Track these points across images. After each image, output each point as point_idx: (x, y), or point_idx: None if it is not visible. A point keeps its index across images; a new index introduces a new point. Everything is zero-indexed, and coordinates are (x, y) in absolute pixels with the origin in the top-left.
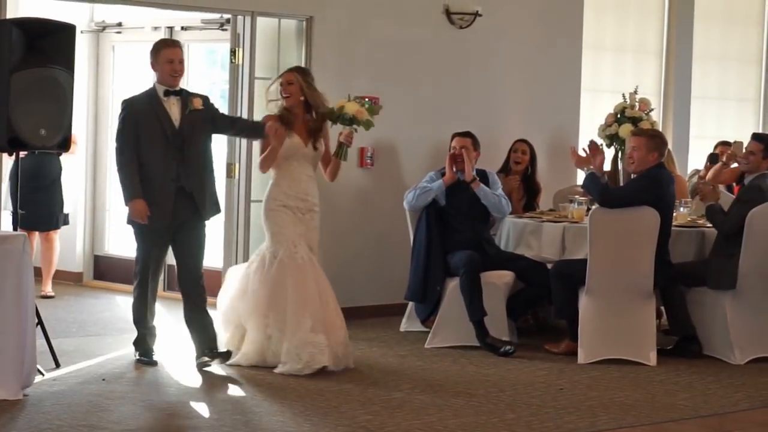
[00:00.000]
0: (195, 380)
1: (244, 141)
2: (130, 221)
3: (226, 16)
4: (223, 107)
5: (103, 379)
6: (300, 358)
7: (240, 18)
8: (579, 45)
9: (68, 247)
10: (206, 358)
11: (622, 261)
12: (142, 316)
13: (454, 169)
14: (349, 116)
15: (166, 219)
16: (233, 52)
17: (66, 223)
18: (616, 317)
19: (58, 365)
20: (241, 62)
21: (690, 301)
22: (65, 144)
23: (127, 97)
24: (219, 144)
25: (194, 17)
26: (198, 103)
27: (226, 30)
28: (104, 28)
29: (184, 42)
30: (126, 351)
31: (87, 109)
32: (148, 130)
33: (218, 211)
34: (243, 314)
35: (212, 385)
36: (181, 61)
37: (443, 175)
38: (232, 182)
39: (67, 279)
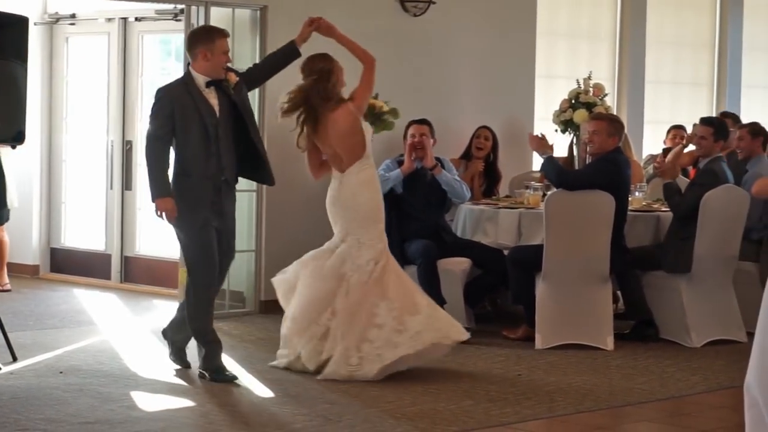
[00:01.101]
0: (154, 372)
1: None
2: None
3: (180, 6)
4: None
5: (61, 372)
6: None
7: (194, 8)
8: (533, 31)
9: (24, 239)
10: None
11: (578, 246)
12: (207, 325)
13: (413, 157)
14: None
15: (206, 213)
16: None
17: (6, 219)
18: (573, 302)
19: (15, 359)
20: None
21: (646, 285)
22: (20, 137)
23: (161, 85)
24: None
25: (148, 8)
26: (233, 77)
27: (180, 20)
28: (58, 20)
29: (138, 33)
30: (84, 343)
31: (41, 101)
32: (187, 122)
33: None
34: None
35: (171, 376)
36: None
37: (400, 163)
38: None
39: (23, 272)
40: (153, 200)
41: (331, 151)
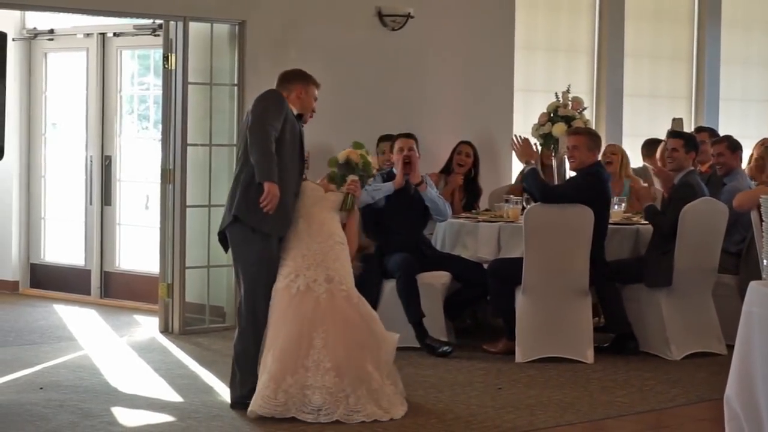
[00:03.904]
0: (135, 387)
1: (179, 145)
2: (247, 221)
3: (159, 21)
4: (156, 113)
5: (41, 388)
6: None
7: (172, 23)
8: (511, 45)
9: (3, 255)
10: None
11: (558, 259)
12: (255, 356)
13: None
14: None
15: (284, 229)
16: (166, 58)
17: None
18: (553, 315)
19: None
20: (174, 67)
21: (626, 298)
22: None
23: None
24: (154, 148)
25: (126, 23)
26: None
27: (158, 36)
28: (36, 35)
29: (117, 48)
30: (64, 359)
31: (19, 116)
32: (289, 138)
33: None
34: None
35: (150, 392)
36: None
37: (385, 175)
38: (167, 187)
39: (2, 288)
40: (261, 180)
41: None
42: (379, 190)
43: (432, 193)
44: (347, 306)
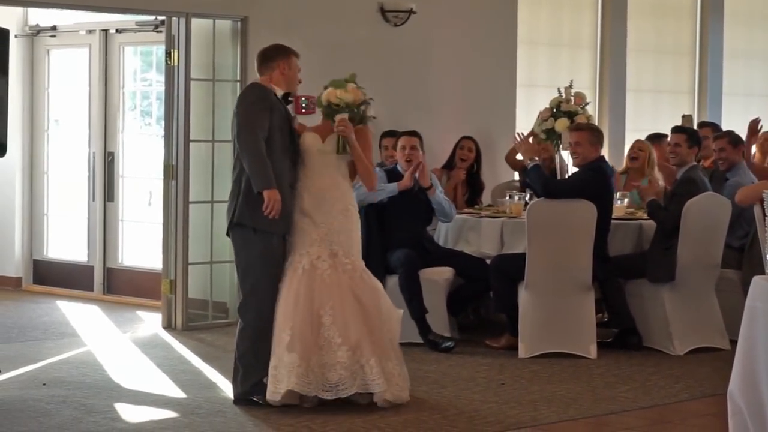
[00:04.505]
0: (138, 383)
1: (181, 141)
2: (252, 224)
3: (161, 17)
4: (159, 109)
5: (44, 384)
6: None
7: (174, 19)
8: (514, 40)
9: (6, 251)
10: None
11: (561, 254)
12: (257, 353)
13: (414, 175)
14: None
15: (288, 227)
16: (168, 54)
17: None
18: (556, 311)
19: None
20: (176, 64)
21: (629, 294)
22: (1, 149)
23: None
24: (157, 144)
25: (129, 19)
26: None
27: (161, 32)
28: (38, 32)
29: (119, 44)
30: (67, 355)
31: (22, 113)
32: (276, 124)
33: None
34: None
35: (153, 388)
36: None
37: (388, 172)
38: (170, 183)
39: (6, 284)
40: (259, 190)
41: None
42: (382, 191)
43: (440, 196)
44: (351, 280)
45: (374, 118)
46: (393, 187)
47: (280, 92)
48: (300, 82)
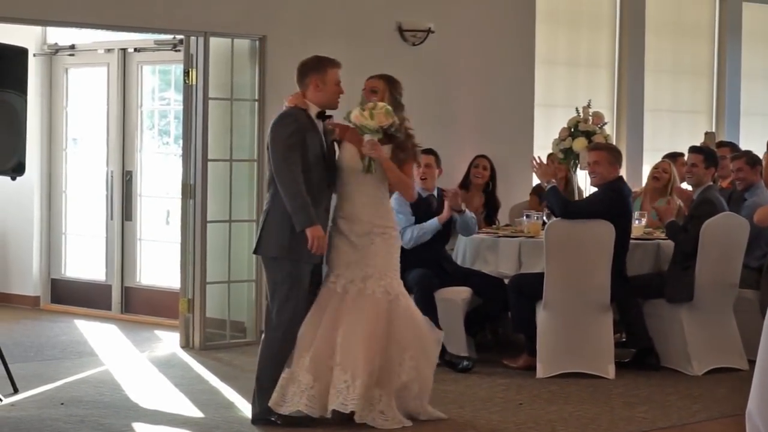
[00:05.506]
0: (155, 403)
1: (199, 160)
2: (282, 255)
3: (179, 36)
4: (177, 128)
5: (62, 404)
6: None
7: (193, 39)
8: (532, 60)
9: (25, 270)
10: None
11: (579, 274)
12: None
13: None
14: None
15: (323, 253)
16: (187, 73)
17: None
18: (574, 331)
19: (16, 390)
20: (194, 83)
21: (647, 314)
22: (20, 168)
23: (283, 110)
24: (175, 163)
25: (147, 38)
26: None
27: (179, 51)
28: (57, 51)
29: (137, 64)
30: (85, 374)
31: (40, 132)
32: (312, 151)
33: None
34: None
35: (171, 408)
36: None
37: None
38: (188, 202)
39: (24, 303)
40: (301, 228)
41: None
42: (426, 231)
43: (468, 215)
44: (380, 304)
45: (419, 146)
46: (435, 224)
47: (314, 110)
48: (342, 93)
